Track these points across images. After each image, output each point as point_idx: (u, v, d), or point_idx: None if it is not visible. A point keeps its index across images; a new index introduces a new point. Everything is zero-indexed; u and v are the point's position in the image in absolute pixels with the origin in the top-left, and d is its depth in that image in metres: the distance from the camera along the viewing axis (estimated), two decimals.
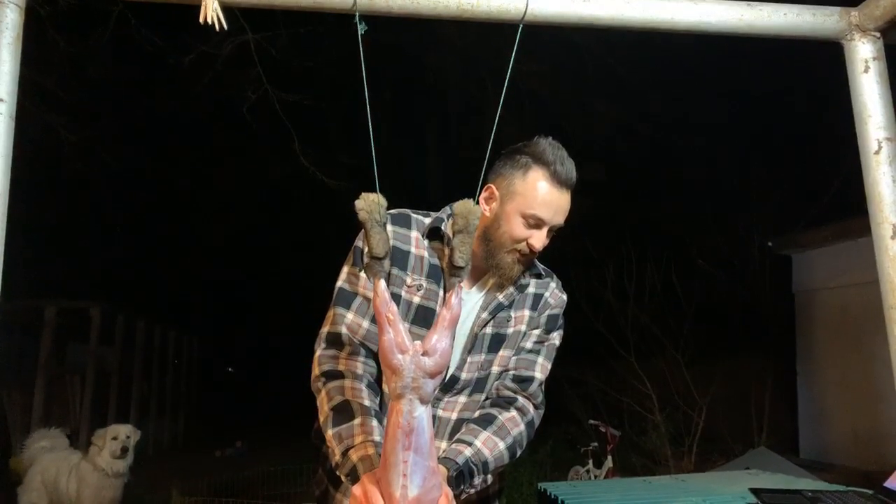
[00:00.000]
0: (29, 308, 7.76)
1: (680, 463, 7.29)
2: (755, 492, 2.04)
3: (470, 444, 1.39)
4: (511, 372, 1.53)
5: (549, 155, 1.43)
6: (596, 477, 6.15)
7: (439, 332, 1.05)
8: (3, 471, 4.95)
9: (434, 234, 1.50)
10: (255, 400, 17.16)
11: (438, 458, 1.34)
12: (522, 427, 1.48)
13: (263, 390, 18.25)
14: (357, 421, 1.34)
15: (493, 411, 1.48)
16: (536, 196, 1.41)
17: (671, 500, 2.12)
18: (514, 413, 1.48)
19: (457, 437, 1.43)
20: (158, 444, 10.82)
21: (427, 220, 1.52)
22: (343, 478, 1.33)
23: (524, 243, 1.43)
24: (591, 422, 6.95)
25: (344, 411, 1.36)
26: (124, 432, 4.37)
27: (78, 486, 4.27)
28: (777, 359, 8.22)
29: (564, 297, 1.62)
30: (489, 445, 1.40)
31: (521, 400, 1.51)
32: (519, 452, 1.48)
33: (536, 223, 1.42)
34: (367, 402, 1.38)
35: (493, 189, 1.47)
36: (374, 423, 1.35)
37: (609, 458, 6.27)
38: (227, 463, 9.38)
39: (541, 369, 1.55)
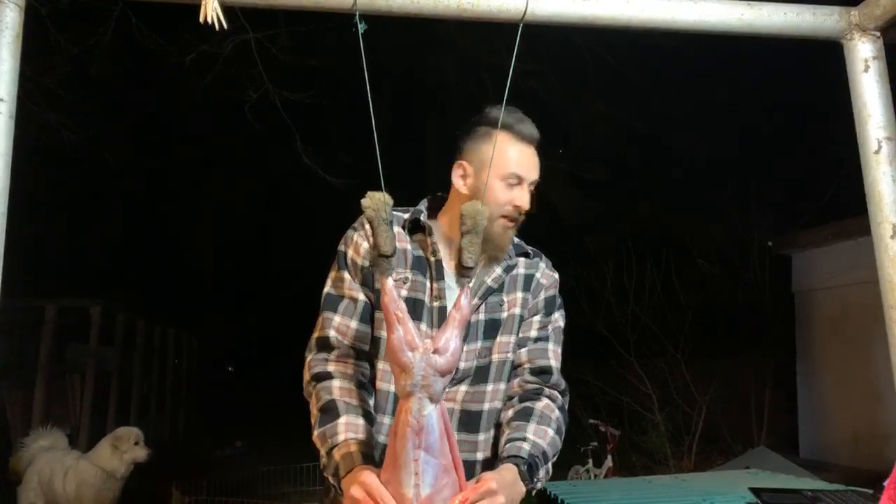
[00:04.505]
0: (29, 307, 7.75)
1: (680, 462, 7.30)
2: (755, 491, 2.05)
3: (524, 438, 1.38)
4: (527, 366, 1.52)
5: (507, 118, 1.46)
6: (596, 476, 6.15)
7: (450, 331, 1.06)
8: (4, 470, 4.95)
9: (415, 226, 1.51)
10: (255, 400, 17.15)
11: (502, 458, 1.35)
12: (559, 413, 1.48)
13: (263, 390, 18.24)
14: (342, 419, 1.33)
15: (527, 404, 1.46)
16: (509, 156, 1.46)
17: (671, 500, 2.12)
18: (546, 401, 1.48)
19: (506, 437, 1.41)
20: (158, 444, 10.81)
21: (406, 215, 1.53)
22: (329, 478, 1.32)
23: (509, 206, 1.46)
24: (591, 421, 6.95)
25: (330, 411, 1.35)
26: (141, 435, 4.39)
27: (77, 485, 4.26)
28: (777, 359, 8.22)
29: (556, 275, 1.61)
30: (540, 435, 1.40)
31: (547, 390, 1.51)
32: (562, 438, 1.47)
33: (517, 181, 1.46)
34: (355, 402, 1.38)
35: (465, 165, 1.50)
36: (361, 421, 1.34)
37: (609, 457, 6.27)
38: (227, 462, 9.38)
39: (554, 356, 1.54)
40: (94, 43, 5.42)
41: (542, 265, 1.60)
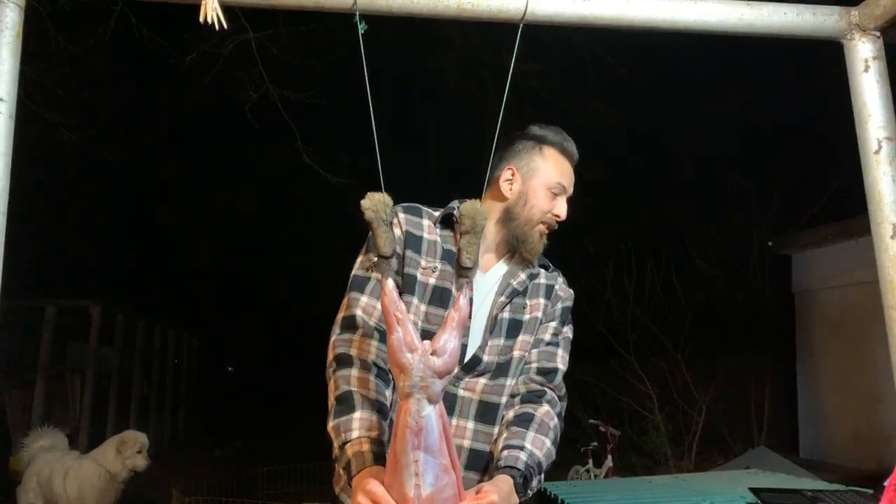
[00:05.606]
0: (29, 307, 7.75)
1: (680, 462, 7.30)
2: (755, 491, 2.05)
3: (521, 448, 1.42)
4: (534, 364, 1.57)
5: (555, 135, 1.61)
6: (596, 476, 6.15)
7: (448, 333, 1.06)
8: (4, 470, 4.95)
9: (447, 221, 1.56)
10: (255, 400, 17.16)
11: (499, 467, 1.38)
12: (556, 420, 1.53)
13: (263, 390, 18.25)
14: (356, 415, 1.35)
15: (528, 408, 1.51)
16: (558, 168, 1.58)
17: (671, 500, 2.13)
18: (547, 407, 1.52)
19: (504, 442, 1.45)
20: (158, 444, 10.81)
21: (437, 213, 1.59)
22: (340, 470, 1.36)
23: (549, 215, 1.56)
24: (591, 421, 6.95)
25: (345, 402, 1.38)
26: (146, 444, 4.41)
27: (80, 485, 4.26)
28: (777, 359, 8.22)
29: (571, 291, 1.69)
30: (537, 445, 1.44)
31: (549, 392, 1.55)
32: (557, 447, 1.52)
33: (561, 191, 1.58)
34: (372, 395, 1.40)
35: (514, 170, 1.58)
36: (375, 417, 1.37)
37: (609, 457, 6.27)
38: (227, 463, 9.38)
39: (562, 361, 1.60)
40: (93, 43, 5.42)
41: (561, 280, 1.68)
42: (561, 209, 1.57)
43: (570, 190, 1.60)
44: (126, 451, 4.31)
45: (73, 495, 4.25)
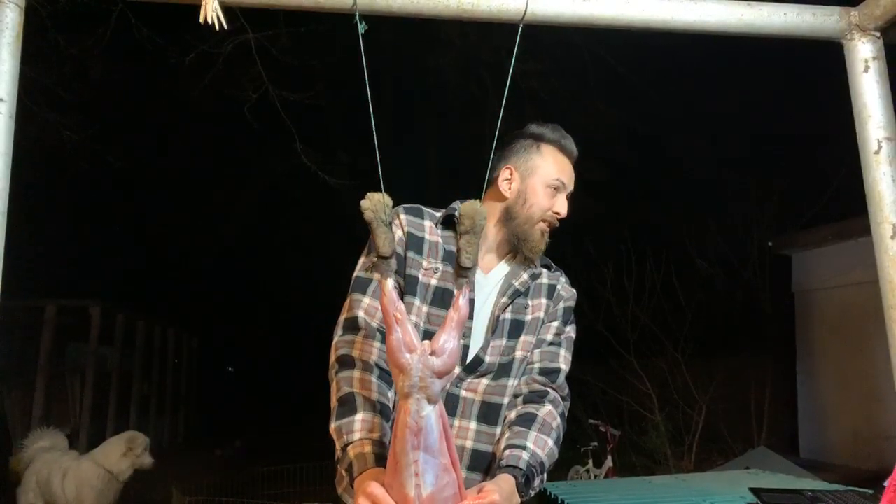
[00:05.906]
0: (29, 307, 7.75)
1: (680, 462, 7.30)
2: (755, 491, 2.05)
3: (524, 447, 1.42)
4: (536, 365, 1.57)
5: (553, 132, 1.61)
6: (596, 476, 6.15)
7: (447, 333, 1.06)
8: (4, 471, 4.95)
9: (448, 222, 1.55)
10: (255, 399, 17.17)
11: (501, 466, 1.38)
12: (559, 420, 1.52)
13: (263, 390, 18.25)
14: (358, 416, 1.36)
15: (531, 409, 1.51)
16: (556, 165, 1.58)
17: (671, 500, 2.13)
18: (549, 407, 1.52)
19: (506, 441, 1.45)
20: (158, 444, 10.81)
21: (438, 214, 1.59)
22: (343, 472, 1.37)
23: (550, 212, 1.56)
24: (591, 421, 6.94)
25: (347, 404, 1.38)
26: (148, 443, 4.43)
27: (78, 486, 4.26)
28: (777, 359, 8.22)
29: (574, 291, 1.69)
30: (540, 445, 1.44)
31: (551, 393, 1.55)
32: (559, 447, 1.51)
33: (561, 186, 1.57)
34: (374, 396, 1.40)
35: (513, 168, 1.58)
36: (377, 419, 1.37)
37: (609, 457, 6.27)
38: (227, 462, 9.38)
39: (564, 361, 1.60)
40: (93, 43, 5.43)
41: (563, 279, 1.67)
42: (561, 206, 1.56)
43: (571, 187, 1.59)
44: (136, 450, 4.32)
45: (71, 496, 4.25)
